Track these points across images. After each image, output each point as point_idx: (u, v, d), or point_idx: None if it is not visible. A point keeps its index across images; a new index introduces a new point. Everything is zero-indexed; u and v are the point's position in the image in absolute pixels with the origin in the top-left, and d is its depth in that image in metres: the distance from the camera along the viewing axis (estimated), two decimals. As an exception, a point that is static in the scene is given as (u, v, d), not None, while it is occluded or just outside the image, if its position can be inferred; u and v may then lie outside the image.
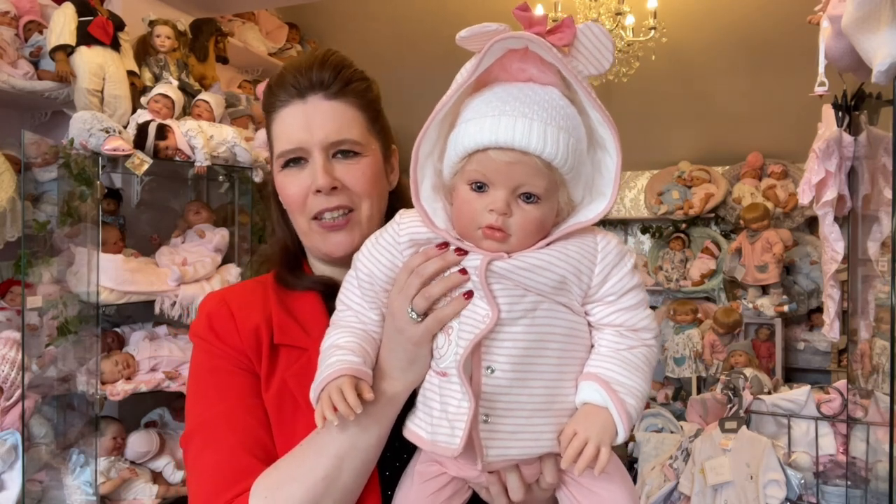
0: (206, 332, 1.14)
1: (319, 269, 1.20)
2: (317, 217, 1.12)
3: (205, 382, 1.13)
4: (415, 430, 1.01)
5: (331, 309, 1.09)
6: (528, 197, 0.94)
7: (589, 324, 1.01)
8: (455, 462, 0.99)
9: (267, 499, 0.99)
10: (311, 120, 1.08)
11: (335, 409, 0.92)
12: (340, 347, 0.99)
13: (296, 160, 1.11)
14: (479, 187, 0.94)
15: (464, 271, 0.95)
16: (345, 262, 1.10)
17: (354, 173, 1.10)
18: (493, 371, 0.95)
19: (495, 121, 0.90)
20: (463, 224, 0.96)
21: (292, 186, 1.11)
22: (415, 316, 0.97)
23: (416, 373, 1.01)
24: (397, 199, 1.19)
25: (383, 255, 1.01)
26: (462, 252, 0.96)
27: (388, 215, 1.11)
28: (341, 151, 1.10)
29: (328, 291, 1.13)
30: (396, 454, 1.06)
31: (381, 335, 1.04)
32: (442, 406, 0.97)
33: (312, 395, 0.97)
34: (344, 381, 0.94)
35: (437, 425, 0.97)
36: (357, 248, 1.07)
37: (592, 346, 1.01)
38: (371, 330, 1.03)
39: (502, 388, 0.95)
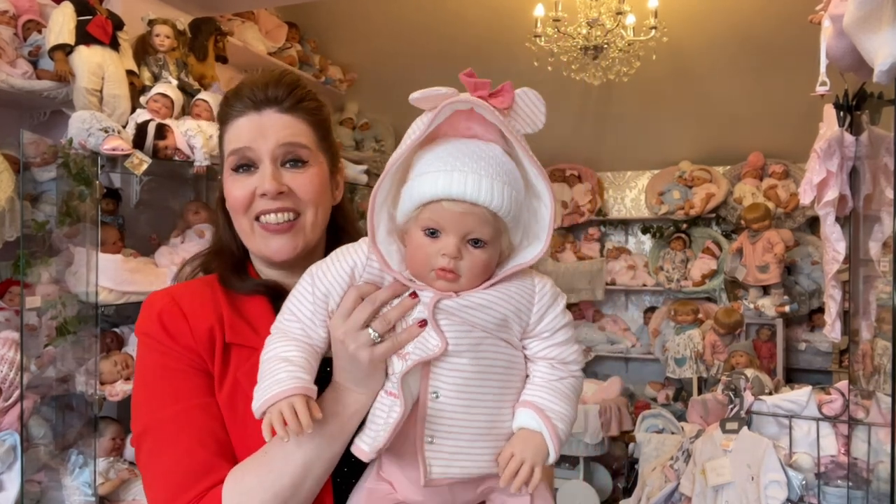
0: (158, 332, 1.15)
1: (264, 272, 1.24)
2: (258, 218, 1.16)
3: (157, 382, 1.14)
4: (360, 445, 1.09)
5: (278, 311, 1.13)
6: (476, 242, 1.04)
7: (525, 356, 1.12)
8: (401, 480, 1.10)
9: None
10: (264, 128, 1.15)
11: (285, 424, 0.97)
12: (290, 362, 1.03)
13: (245, 167, 1.16)
14: (432, 233, 1.04)
15: (414, 295, 1.05)
16: (287, 265, 1.19)
17: (301, 180, 1.16)
18: (438, 396, 1.05)
19: (448, 175, 1.00)
20: (417, 265, 1.05)
21: (239, 189, 1.16)
22: (375, 336, 1.05)
23: (374, 387, 1.08)
24: (340, 214, 1.27)
25: (347, 261, 1.08)
26: (414, 295, 1.06)
27: (330, 228, 1.24)
28: (290, 161, 1.16)
29: (274, 294, 1.19)
30: (345, 459, 1.12)
31: (324, 350, 1.10)
32: (385, 417, 1.06)
33: (258, 406, 1.01)
34: (297, 400, 0.99)
35: (377, 435, 1.06)
36: (299, 254, 1.17)
37: (527, 376, 1.12)
38: (316, 345, 1.08)
39: (446, 412, 1.05)
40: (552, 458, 1.06)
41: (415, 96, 1.00)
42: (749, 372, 3.33)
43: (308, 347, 1.07)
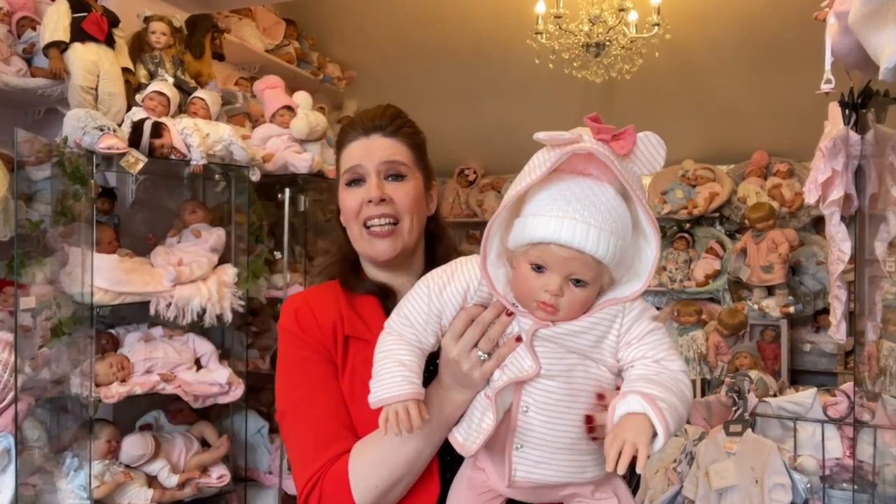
0: (294, 327, 1.40)
1: (372, 273, 1.46)
2: (367, 224, 1.38)
3: (293, 369, 1.40)
4: (456, 436, 1.27)
5: (387, 309, 1.35)
6: (578, 282, 1.13)
7: (620, 372, 1.20)
8: (492, 474, 1.25)
9: (366, 477, 1.27)
10: (371, 149, 1.38)
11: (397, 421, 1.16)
12: (404, 366, 1.20)
13: (356, 181, 1.39)
14: (538, 268, 1.13)
15: (510, 313, 1.19)
16: (389, 266, 1.41)
17: (400, 192, 1.38)
18: (527, 411, 1.18)
19: (559, 222, 1.08)
20: (521, 294, 1.17)
21: (351, 200, 1.40)
22: (483, 356, 1.21)
23: (477, 389, 1.25)
24: (434, 223, 1.49)
25: (462, 281, 1.23)
26: (510, 312, 1.20)
27: (427, 234, 1.47)
28: (391, 175, 1.38)
29: (383, 294, 1.42)
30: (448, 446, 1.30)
31: (430, 351, 1.27)
32: (479, 421, 1.22)
33: (375, 400, 1.19)
34: (411, 404, 1.16)
35: (469, 435, 1.24)
36: (398, 254, 1.38)
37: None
38: (425, 348, 1.25)
39: (534, 426, 1.18)
40: (661, 439, 1.05)
41: (539, 137, 1.07)
42: (753, 373, 3.32)
43: (419, 351, 1.23)
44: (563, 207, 1.09)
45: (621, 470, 1.04)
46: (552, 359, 1.17)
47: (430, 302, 1.23)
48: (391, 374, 1.19)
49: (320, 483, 1.30)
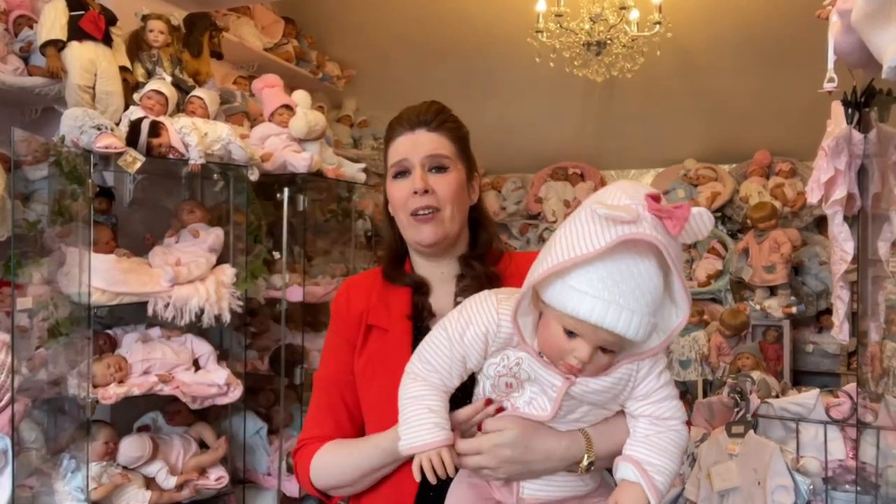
0: (334, 311, 1.60)
1: (418, 263, 1.56)
2: (413, 213, 1.47)
3: (326, 348, 1.60)
4: None
5: (416, 303, 1.50)
6: (606, 350, 1.18)
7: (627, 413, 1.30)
8: (498, 487, 1.31)
9: (321, 476, 1.47)
10: (416, 143, 1.48)
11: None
12: (434, 412, 1.26)
13: (402, 173, 1.49)
14: (570, 334, 1.16)
15: (500, 409, 1.32)
16: (433, 253, 1.51)
17: (442, 183, 1.47)
18: None
19: (605, 307, 1.10)
20: (549, 351, 1.22)
21: (398, 191, 1.49)
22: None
23: None
24: (477, 212, 1.58)
25: (481, 325, 1.26)
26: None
27: (471, 223, 1.56)
28: (435, 167, 1.47)
29: (417, 287, 1.53)
30: None
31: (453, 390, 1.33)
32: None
33: (406, 446, 1.26)
34: (444, 451, 1.24)
35: None
36: (441, 239, 1.46)
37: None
38: (450, 391, 1.31)
39: None
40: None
41: (602, 213, 1.09)
42: (755, 374, 3.31)
43: (444, 395, 1.29)
44: (611, 290, 1.10)
45: None
46: (567, 408, 1.27)
47: (452, 348, 1.28)
48: (420, 420, 1.26)
49: (301, 451, 1.52)
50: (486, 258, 1.53)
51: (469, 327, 1.26)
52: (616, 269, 1.11)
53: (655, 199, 1.12)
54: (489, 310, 1.26)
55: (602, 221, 1.11)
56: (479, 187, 1.62)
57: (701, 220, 1.14)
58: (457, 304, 1.39)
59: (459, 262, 1.52)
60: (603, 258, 1.10)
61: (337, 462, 1.46)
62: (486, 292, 1.31)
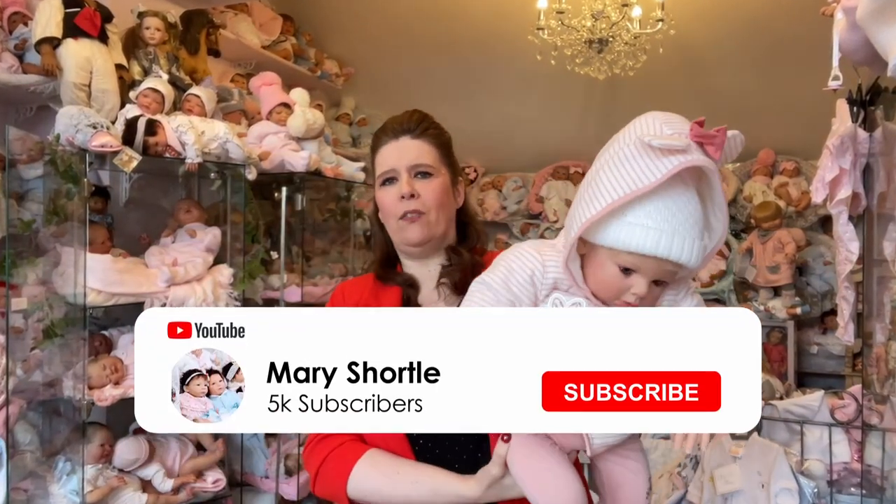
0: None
1: (407, 264, 1.62)
2: (402, 217, 1.53)
3: None
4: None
5: (405, 298, 1.56)
6: (659, 282, 1.20)
7: None
8: (569, 437, 1.28)
9: (359, 490, 1.44)
10: (401, 151, 1.55)
11: None
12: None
13: (390, 180, 1.56)
14: (626, 271, 1.17)
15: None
16: (421, 253, 1.56)
17: (426, 188, 1.54)
18: None
19: (668, 238, 1.12)
20: (603, 291, 1.22)
21: (387, 197, 1.56)
22: None
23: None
24: (464, 213, 1.65)
25: (525, 270, 1.25)
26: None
27: (459, 224, 1.62)
28: (419, 173, 1.54)
29: (408, 285, 1.58)
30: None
31: None
32: None
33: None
34: None
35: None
36: (426, 239, 1.52)
37: None
38: None
39: None
40: None
41: (657, 144, 1.09)
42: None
43: None
44: (669, 220, 1.12)
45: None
46: None
47: (498, 295, 1.26)
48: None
49: (339, 450, 1.47)
50: (473, 252, 1.60)
51: (513, 275, 1.26)
52: (671, 199, 1.13)
53: (700, 124, 1.14)
54: (530, 255, 1.26)
55: (652, 153, 1.12)
56: (465, 190, 1.70)
57: (734, 142, 1.18)
58: (440, 284, 1.52)
59: (446, 253, 1.58)
60: (657, 190, 1.11)
61: (386, 482, 1.43)
62: (515, 245, 1.32)
